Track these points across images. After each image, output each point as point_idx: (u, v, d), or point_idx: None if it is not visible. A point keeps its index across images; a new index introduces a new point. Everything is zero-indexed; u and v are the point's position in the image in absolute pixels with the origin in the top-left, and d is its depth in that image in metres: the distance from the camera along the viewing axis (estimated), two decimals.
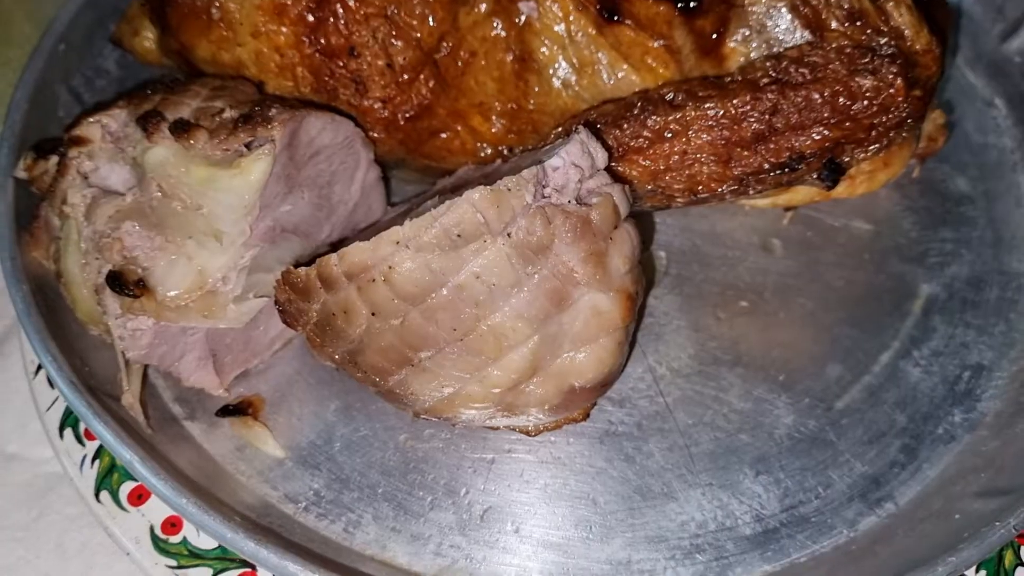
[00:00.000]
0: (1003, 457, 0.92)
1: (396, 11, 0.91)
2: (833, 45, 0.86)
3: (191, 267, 0.86)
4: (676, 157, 0.89)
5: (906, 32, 0.86)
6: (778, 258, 1.07)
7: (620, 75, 0.96)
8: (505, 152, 1.00)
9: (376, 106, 0.96)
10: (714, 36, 0.92)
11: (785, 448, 0.95)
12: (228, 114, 0.86)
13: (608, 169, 0.84)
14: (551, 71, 0.97)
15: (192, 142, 0.85)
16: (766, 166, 0.88)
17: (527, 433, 0.91)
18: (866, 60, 0.85)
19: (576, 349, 0.82)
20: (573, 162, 0.80)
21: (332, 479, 0.93)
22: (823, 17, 0.87)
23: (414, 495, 0.92)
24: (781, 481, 0.93)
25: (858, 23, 0.86)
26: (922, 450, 0.95)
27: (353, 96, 0.95)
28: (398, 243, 0.76)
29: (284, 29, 0.93)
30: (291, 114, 0.85)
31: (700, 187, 0.90)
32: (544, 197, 0.79)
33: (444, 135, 0.99)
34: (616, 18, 0.93)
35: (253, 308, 0.90)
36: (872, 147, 0.87)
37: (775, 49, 0.92)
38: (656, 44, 0.93)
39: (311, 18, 0.92)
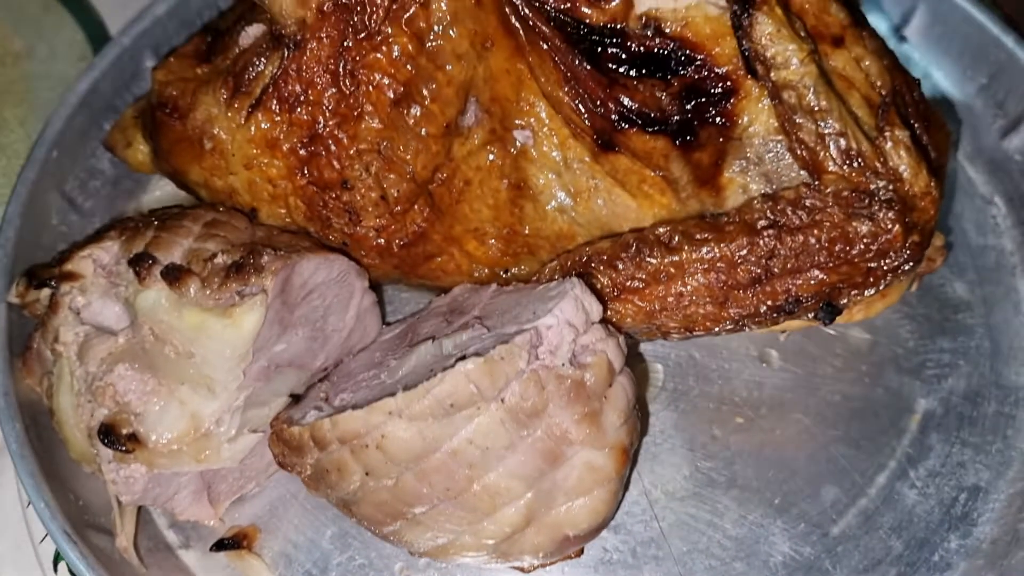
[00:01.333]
0: None
1: (389, 147, 0.90)
2: (830, 189, 0.85)
3: (184, 412, 0.86)
4: (672, 299, 0.88)
5: (904, 174, 0.86)
6: (775, 370, 1.07)
7: (616, 200, 0.95)
8: (501, 274, 1.00)
9: (370, 234, 0.95)
10: (711, 167, 0.91)
11: None
12: (220, 260, 0.85)
13: (602, 312, 0.84)
14: (546, 197, 0.96)
15: (184, 290, 0.84)
16: (763, 308, 0.87)
17: (522, 570, 0.91)
18: (863, 205, 0.85)
19: (570, 501, 0.82)
20: (567, 320, 0.80)
21: None
22: (820, 157, 0.86)
23: None
24: None
25: (856, 164, 0.85)
26: None
27: (347, 225, 0.95)
28: (391, 413, 0.76)
29: (277, 162, 0.92)
30: (283, 262, 0.85)
31: (696, 326, 0.90)
32: (538, 359, 0.78)
33: (439, 258, 0.99)
34: (613, 148, 0.92)
35: (248, 445, 0.90)
36: (869, 290, 0.87)
37: (773, 181, 0.91)
38: (653, 173, 0.93)
39: (303, 152, 0.91)
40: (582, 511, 0.83)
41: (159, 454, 0.85)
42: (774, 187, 0.92)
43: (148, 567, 0.91)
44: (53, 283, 0.91)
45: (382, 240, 0.96)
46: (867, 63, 0.91)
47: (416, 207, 0.95)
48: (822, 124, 0.86)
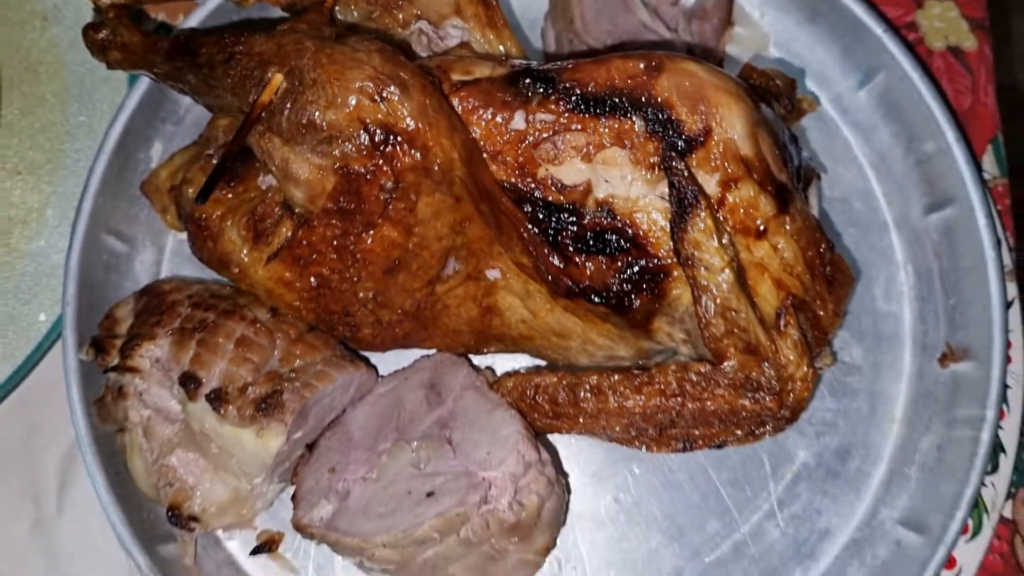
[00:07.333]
0: None
1: (382, 296, 1.11)
2: (728, 371, 1.08)
3: (228, 487, 1.15)
4: (595, 428, 1.14)
5: (789, 365, 1.08)
6: None
7: (567, 320, 1.17)
8: (475, 348, 1.24)
9: (367, 337, 1.18)
10: (643, 320, 1.13)
11: None
12: (251, 392, 1.10)
13: (538, 456, 1.11)
14: (510, 314, 1.18)
15: (224, 413, 1.10)
16: (664, 447, 1.14)
17: None
18: (752, 388, 1.08)
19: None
20: (511, 472, 1.07)
21: None
22: (724, 347, 1.08)
23: None
24: None
25: (752, 354, 1.07)
26: None
27: (347, 330, 1.17)
28: (380, 544, 1.06)
29: (291, 294, 1.13)
30: (299, 401, 1.10)
31: (611, 442, 1.16)
32: (487, 503, 1.06)
33: (424, 343, 1.22)
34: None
35: (276, 493, 1.21)
36: (745, 444, 1.12)
37: (692, 334, 1.13)
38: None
39: (313, 292, 1.12)
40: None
41: (211, 517, 1.16)
42: (692, 337, 1.14)
43: (203, 566, 1.25)
44: (117, 373, 1.16)
45: (376, 340, 1.19)
46: (782, 245, 1.09)
47: (405, 321, 1.17)
48: (731, 321, 1.06)
